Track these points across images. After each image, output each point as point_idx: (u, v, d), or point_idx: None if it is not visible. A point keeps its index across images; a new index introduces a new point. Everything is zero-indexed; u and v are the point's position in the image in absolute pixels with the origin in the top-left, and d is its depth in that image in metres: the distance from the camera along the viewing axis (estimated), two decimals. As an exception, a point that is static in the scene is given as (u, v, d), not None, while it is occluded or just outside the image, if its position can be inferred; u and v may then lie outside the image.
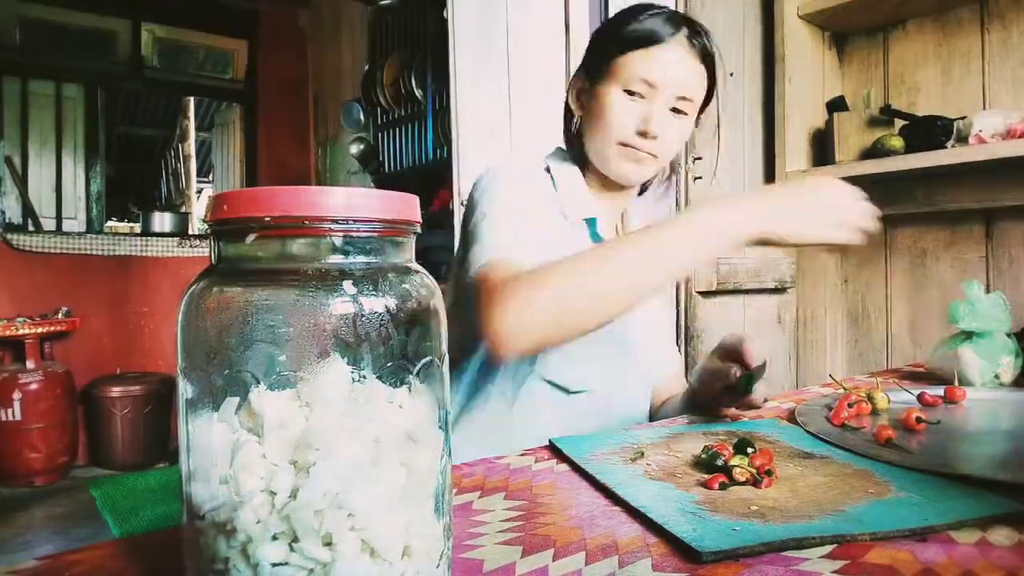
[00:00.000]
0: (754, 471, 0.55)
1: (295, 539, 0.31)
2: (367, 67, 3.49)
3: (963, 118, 1.57)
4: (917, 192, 1.73)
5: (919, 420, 0.72)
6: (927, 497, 0.51)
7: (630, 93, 0.89)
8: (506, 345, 0.70)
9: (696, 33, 0.90)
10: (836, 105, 1.83)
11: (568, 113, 1.00)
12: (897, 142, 1.65)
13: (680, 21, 0.90)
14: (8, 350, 3.22)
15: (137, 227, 5.04)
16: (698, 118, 0.98)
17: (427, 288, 0.37)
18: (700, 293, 1.77)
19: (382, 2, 3.28)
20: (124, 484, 3.18)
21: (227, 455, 0.32)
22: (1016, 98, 1.62)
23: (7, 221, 3.55)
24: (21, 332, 3.10)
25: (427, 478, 0.35)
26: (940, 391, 0.88)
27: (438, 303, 0.37)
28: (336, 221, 0.33)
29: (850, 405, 0.78)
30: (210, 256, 0.36)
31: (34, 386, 3.11)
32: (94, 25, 3.98)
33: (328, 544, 0.31)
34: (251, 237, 0.33)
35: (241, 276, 0.34)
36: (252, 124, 4.27)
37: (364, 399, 0.33)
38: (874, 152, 1.71)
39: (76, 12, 3.79)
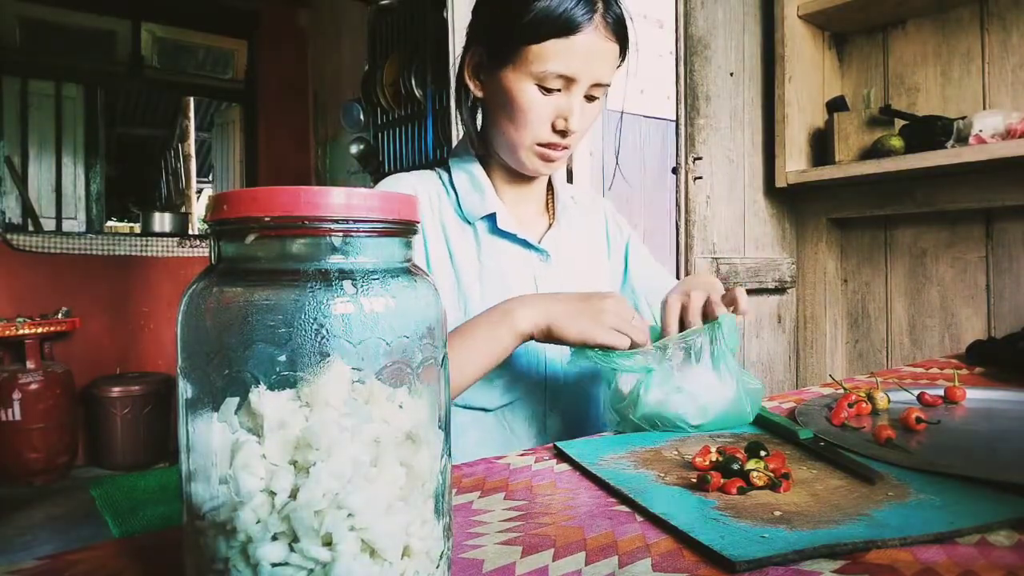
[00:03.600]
0: (771, 475, 0.54)
1: (295, 539, 0.31)
2: (367, 67, 3.48)
3: (963, 118, 1.57)
4: (917, 192, 1.73)
5: (919, 420, 0.72)
6: (947, 499, 0.51)
7: (546, 89, 0.82)
8: None
9: (608, 4, 0.81)
10: (836, 105, 1.84)
11: (464, 89, 0.91)
12: (897, 142, 1.65)
13: None
14: (8, 350, 3.22)
15: (137, 227, 5.05)
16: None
17: (427, 288, 0.37)
18: (700, 293, 1.77)
19: (382, 2, 3.28)
20: (124, 484, 3.18)
21: (227, 455, 0.32)
22: (1016, 98, 1.62)
23: (7, 221, 3.55)
24: (21, 332, 3.10)
25: (427, 478, 0.35)
26: (940, 391, 0.88)
27: (438, 303, 0.37)
28: (336, 221, 0.33)
29: (850, 405, 0.78)
30: (210, 256, 0.36)
31: (34, 386, 3.11)
32: (94, 25, 3.98)
33: (328, 544, 0.31)
34: (251, 237, 0.33)
35: (241, 276, 0.34)
36: (252, 124, 4.27)
37: (364, 399, 0.33)
38: (874, 152, 1.71)
39: (76, 12, 3.79)
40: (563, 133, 0.84)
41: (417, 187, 0.93)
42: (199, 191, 6.67)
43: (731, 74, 1.86)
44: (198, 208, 6.33)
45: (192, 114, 6.33)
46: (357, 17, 3.66)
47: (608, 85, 0.85)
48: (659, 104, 3.14)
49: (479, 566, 0.42)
